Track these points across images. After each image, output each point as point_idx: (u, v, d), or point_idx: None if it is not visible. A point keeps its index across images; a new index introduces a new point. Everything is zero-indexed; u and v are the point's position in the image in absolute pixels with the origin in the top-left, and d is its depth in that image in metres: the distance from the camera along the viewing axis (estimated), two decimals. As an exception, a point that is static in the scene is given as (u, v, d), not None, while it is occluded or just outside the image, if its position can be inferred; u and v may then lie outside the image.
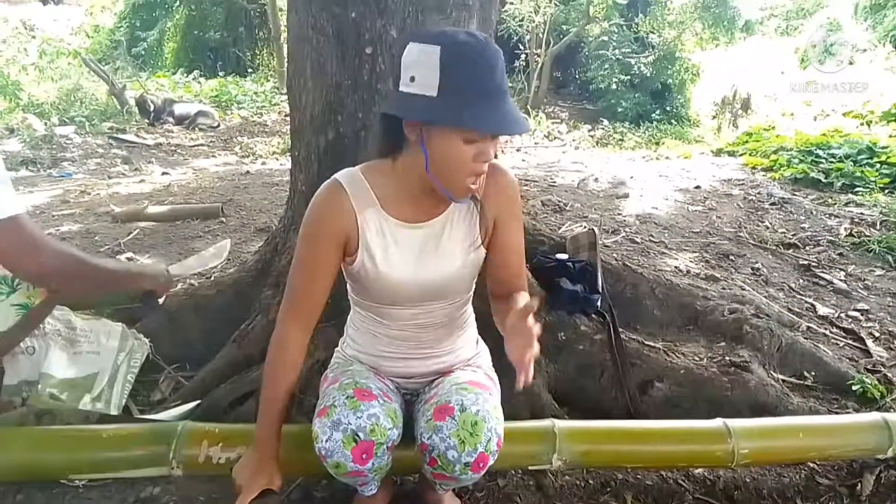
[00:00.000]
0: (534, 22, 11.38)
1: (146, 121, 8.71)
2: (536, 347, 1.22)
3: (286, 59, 2.45)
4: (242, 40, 14.43)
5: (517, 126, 1.29)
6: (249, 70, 13.66)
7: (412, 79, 1.23)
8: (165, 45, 14.30)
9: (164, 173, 5.62)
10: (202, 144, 7.91)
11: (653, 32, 11.69)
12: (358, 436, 1.28)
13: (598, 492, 1.84)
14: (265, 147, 7.64)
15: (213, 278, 2.56)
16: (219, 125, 8.93)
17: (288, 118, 8.09)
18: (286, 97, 10.63)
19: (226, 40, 14.30)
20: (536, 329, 1.23)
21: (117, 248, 3.17)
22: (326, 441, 1.29)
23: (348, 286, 1.56)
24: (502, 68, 1.26)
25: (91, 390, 1.91)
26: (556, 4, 11.51)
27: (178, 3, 14.23)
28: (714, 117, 11.39)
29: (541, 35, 11.69)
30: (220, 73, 12.74)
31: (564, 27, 12.37)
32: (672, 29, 11.52)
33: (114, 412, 1.94)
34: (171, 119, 8.79)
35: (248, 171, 5.50)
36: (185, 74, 12.27)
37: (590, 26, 12.27)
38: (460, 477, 1.32)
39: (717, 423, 1.85)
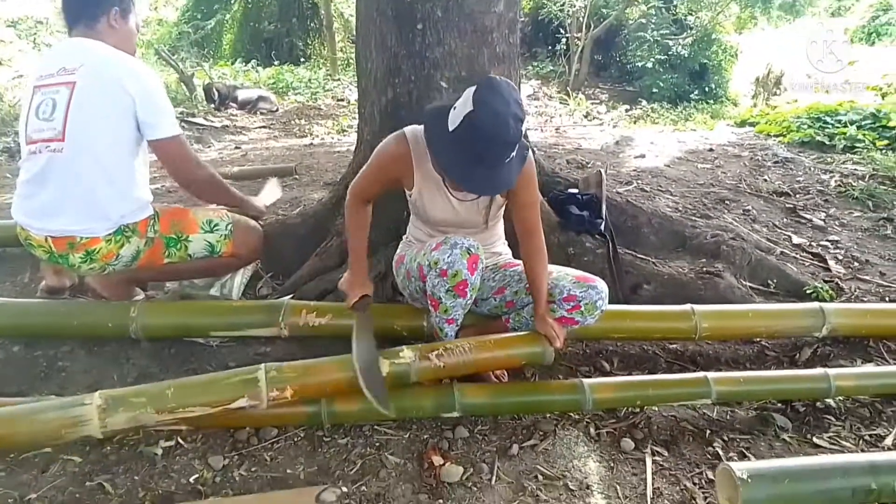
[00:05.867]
0: (574, 6, 11.81)
1: (212, 106, 9.48)
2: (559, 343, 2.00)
3: (355, 36, 3.05)
4: (295, 31, 15.21)
5: (492, 189, 1.87)
6: (302, 59, 14.42)
7: (454, 108, 1.79)
8: (224, 37, 15.22)
9: (236, 147, 6.36)
10: (264, 126, 8.62)
11: (690, 14, 12.00)
12: (470, 250, 1.91)
13: (594, 357, 2.44)
14: (321, 128, 8.29)
15: (298, 210, 3.21)
16: (278, 109, 9.62)
17: (340, 102, 8.69)
18: (338, 83, 11.26)
19: (280, 31, 15.12)
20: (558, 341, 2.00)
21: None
22: (448, 257, 1.89)
23: (409, 203, 2.18)
24: (511, 143, 1.73)
25: (220, 279, 2.59)
26: (596, -12, 11.92)
27: (235, -4, 15.12)
28: (753, 97, 11.66)
29: (581, 19, 12.10)
30: (275, 63, 13.52)
31: (605, 11, 12.74)
32: (708, 10, 11.81)
33: (234, 298, 2.62)
34: (234, 104, 9.54)
35: (310, 144, 6.20)
36: (244, 63, 13.09)
37: (630, 10, 12.64)
38: (588, 320, 2.03)
39: (685, 307, 2.42)
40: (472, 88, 1.75)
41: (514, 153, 1.80)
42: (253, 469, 1.82)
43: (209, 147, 6.40)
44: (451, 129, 1.78)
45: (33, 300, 2.50)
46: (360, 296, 2.06)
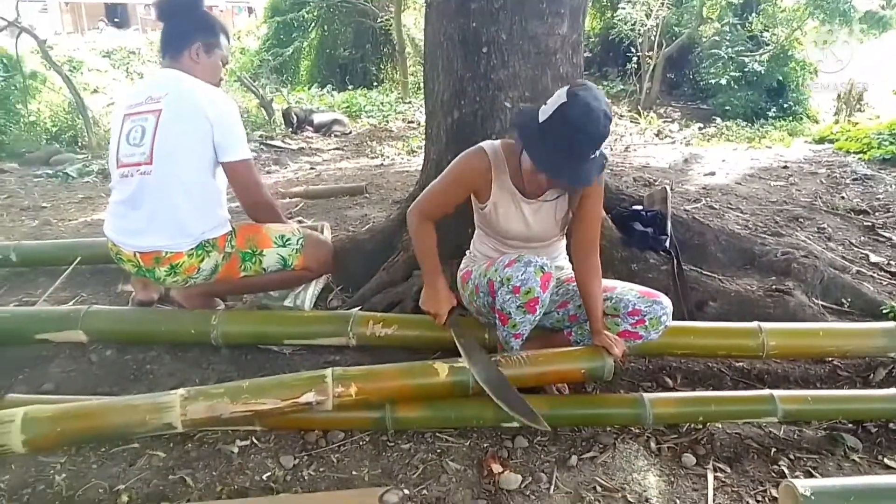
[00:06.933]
0: (646, 25, 11.69)
1: (289, 129, 9.87)
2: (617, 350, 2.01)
3: (423, 60, 3.17)
4: (369, 56, 15.66)
5: (576, 180, 1.90)
6: (375, 83, 14.82)
7: (545, 104, 1.87)
8: (301, 63, 15.83)
9: (311, 168, 6.62)
10: (338, 148, 8.91)
11: (766, 31, 11.68)
12: (544, 268, 1.97)
13: (657, 372, 2.44)
14: (391, 149, 8.50)
15: (367, 227, 3.34)
16: (351, 132, 9.92)
17: (410, 124, 8.96)
18: (409, 106, 11.52)
19: (354, 57, 15.59)
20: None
21: (289, 216, 4.05)
22: (522, 275, 1.95)
23: (476, 218, 2.26)
24: (599, 137, 1.80)
25: (294, 291, 2.73)
26: (668, 7, 11.77)
27: (312, 24, 15.70)
28: (835, 113, 11.20)
29: (653, 38, 11.96)
30: (349, 87, 13.94)
31: (677, 29, 12.55)
32: (784, 27, 11.46)
33: (306, 309, 2.75)
34: (310, 127, 9.90)
35: (381, 164, 6.39)
36: (320, 88, 13.56)
37: (703, 27, 12.42)
38: (651, 335, 2.05)
39: (752, 324, 2.39)
40: (566, 87, 1.83)
41: (598, 151, 1.86)
42: (321, 469, 1.91)
43: (286, 168, 6.68)
44: (541, 120, 1.85)
45: (125, 308, 2.70)
46: (449, 310, 2.11)
